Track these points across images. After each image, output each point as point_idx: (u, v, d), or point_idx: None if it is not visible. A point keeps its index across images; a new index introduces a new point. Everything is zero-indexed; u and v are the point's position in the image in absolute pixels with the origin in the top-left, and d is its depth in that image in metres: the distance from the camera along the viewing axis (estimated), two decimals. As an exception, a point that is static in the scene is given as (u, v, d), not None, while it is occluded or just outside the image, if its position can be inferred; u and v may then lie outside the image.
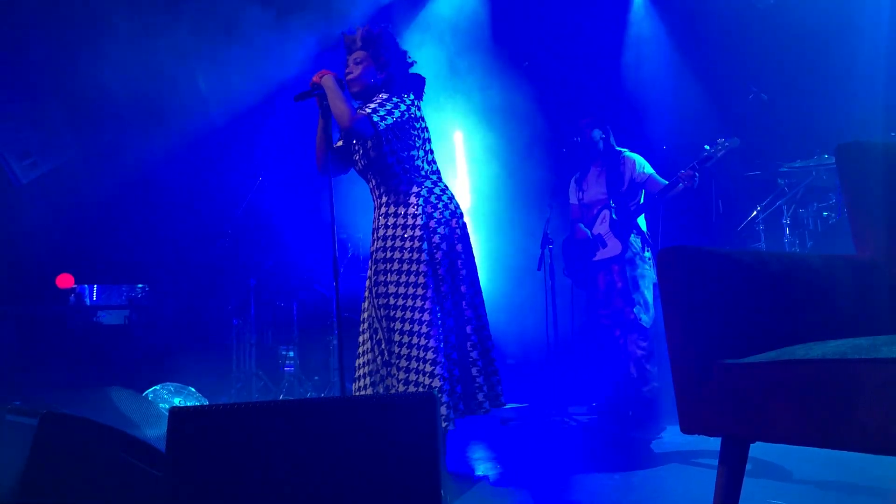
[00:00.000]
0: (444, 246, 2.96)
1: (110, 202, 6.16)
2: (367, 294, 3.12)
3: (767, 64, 5.22)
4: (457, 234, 3.03)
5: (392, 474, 1.88)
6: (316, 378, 5.55)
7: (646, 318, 4.28)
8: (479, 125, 6.12)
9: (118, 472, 2.12)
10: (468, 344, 2.95)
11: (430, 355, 2.79)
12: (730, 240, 5.07)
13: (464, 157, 6.35)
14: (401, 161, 3.02)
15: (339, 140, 3.21)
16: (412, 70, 3.18)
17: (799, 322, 1.67)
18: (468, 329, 2.96)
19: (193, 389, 4.18)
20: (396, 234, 3.01)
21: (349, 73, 3.08)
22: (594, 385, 4.75)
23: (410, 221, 2.97)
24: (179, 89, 5.50)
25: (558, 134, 5.66)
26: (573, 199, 4.71)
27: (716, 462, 1.60)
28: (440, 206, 3.03)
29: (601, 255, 4.44)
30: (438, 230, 2.97)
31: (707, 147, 4.17)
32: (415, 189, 3.02)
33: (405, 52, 3.18)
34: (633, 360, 4.29)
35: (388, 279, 2.97)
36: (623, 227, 4.36)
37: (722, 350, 1.56)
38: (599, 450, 3.56)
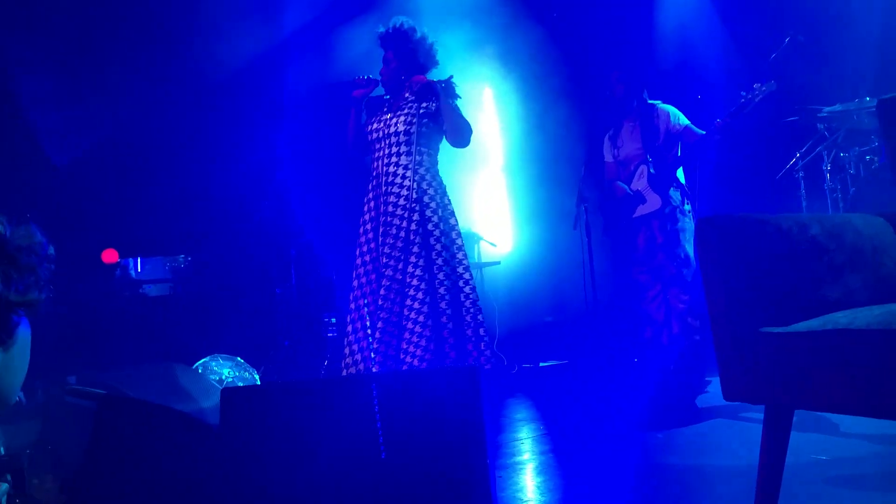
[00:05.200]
0: None
1: (148, 174, 6.25)
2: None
3: (804, 4, 5.04)
4: None
5: (439, 447, 1.92)
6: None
7: (686, 272, 4.24)
8: (509, 81, 6.04)
9: (175, 450, 2.20)
10: None
11: None
12: (769, 188, 4.97)
13: (494, 113, 6.28)
14: None
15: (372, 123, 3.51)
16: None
17: (841, 287, 1.65)
18: None
19: (241, 360, 4.27)
20: None
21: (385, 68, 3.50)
22: (633, 342, 4.75)
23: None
24: (216, 56, 5.49)
25: (590, 88, 5.56)
26: (608, 157, 4.63)
27: (762, 417, 1.60)
28: None
29: (641, 210, 4.38)
30: None
31: (743, 93, 4.06)
32: None
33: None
34: (675, 313, 4.27)
35: None
36: (662, 182, 4.30)
37: (763, 318, 1.55)
38: (641, 407, 3.58)
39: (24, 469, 2.23)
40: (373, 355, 3.24)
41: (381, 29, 3.52)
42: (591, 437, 2.95)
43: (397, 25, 3.47)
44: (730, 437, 2.69)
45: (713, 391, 3.69)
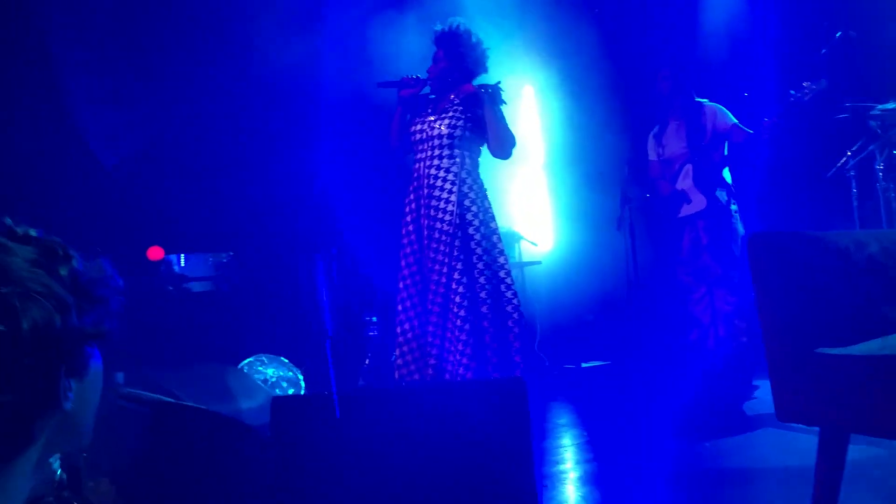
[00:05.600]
0: None
1: (192, 174, 6.35)
2: None
3: (855, -1, 4.91)
4: None
5: (487, 458, 1.93)
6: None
7: (734, 273, 4.18)
8: (550, 78, 5.99)
9: (225, 455, 2.25)
10: None
11: None
12: (819, 187, 4.85)
13: (536, 110, 6.25)
14: None
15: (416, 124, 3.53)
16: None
17: (901, 307, 1.61)
18: None
19: (286, 360, 4.34)
20: None
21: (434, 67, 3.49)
22: (678, 344, 4.70)
23: None
24: (259, 60, 5.54)
25: (633, 85, 5.49)
26: (652, 156, 4.57)
27: (817, 429, 1.58)
28: None
29: (686, 210, 4.33)
30: None
31: (792, 92, 3.97)
32: None
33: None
34: (721, 315, 4.21)
35: None
36: (707, 182, 4.23)
37: (819, 338, 1.53)
38: (687, 413, 3.54)
39: (81, 471, 2.30)
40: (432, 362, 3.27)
41: (438, 28, 3.52)
42: (636, 443, 2.93)
43: (454, 27, 3.47)
44: (781, 449, 2.64)
45: (760, 396, 3.63)
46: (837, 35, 4.53)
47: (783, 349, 1.56)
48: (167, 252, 7.25)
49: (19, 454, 0.82)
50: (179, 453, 2.21)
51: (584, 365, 5.13)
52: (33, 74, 5.34)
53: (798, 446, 2.57)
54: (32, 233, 0.88)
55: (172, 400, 2.56)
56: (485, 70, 3.55)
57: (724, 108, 4.32)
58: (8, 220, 0.88)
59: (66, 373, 0.85)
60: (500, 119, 3.41)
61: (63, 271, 0.87)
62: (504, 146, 3.42)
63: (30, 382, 0.81)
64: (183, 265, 7.67)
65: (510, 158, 3.60)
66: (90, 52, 5.74)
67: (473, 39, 3.49)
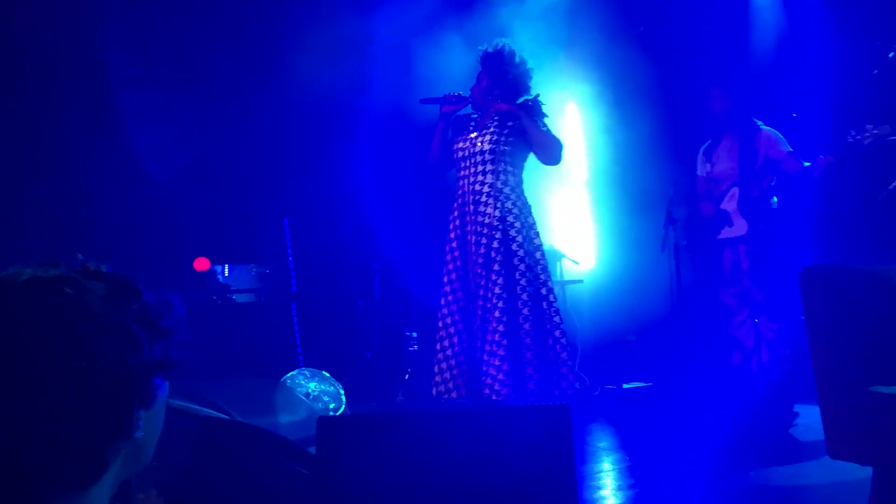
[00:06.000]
0: None
1: (237, 187, 6.47)
2: None
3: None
4: None
5: (529, 486, 1.93)
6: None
7: (775, 300, 4.11)
8: (594, 95, 5.98)
9: (272, 472, 2.28)
10: None
11: None
12: (870, 209, 4.74)
13: (579, 128, 6.24)
14: None
15: (458, 141, 3.55)
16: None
17: (960, 346, 1.58)
18: None
19: (328, 374, 4.39)
20: None
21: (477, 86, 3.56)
22: (721, 367, 4.62)
23: None
24: (303, 77, 5.63)
25: (679, 103, 5.44)
26: (700, 172, 4.48)
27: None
28: None
29: (726, 233, 4.26)
30: None
31: (853, 133, 3.83)
32: None
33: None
34: (764, 341, 4.14)
35: None
36: (752, 207, 4.16)
37: (873, 376, 1.50)
38: (731, 438, 3.48)
39: (131, 482, 2.35)
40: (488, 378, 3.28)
41: (483, 48, 3.57)
42: (678, 469, 2.89)
43: (499, 47, 3.52)
44: (831, 483, 2.56)
45: (804, 423, 3.56)
46: (890, 55, 4.45)
47: (836, 386, 1.53)
48: (212, 263, 7.39)
49: (95, 481, 0.86)
50: (226, 468, 2.25)
51: (625, 386, 5.08)
52: (88, 89, 5.51)
53: (849, 480, 2.49)
54: (104, 269, 0.92)
55: (221, 415, 2.61)
56: (527, 91, 3.57)
57: (781, 135, 4.22)
58: (80, 256, 0.93)
59: (137, 403, 0.89)
60: (542, 127, 3.42)
61: (134, 306, 0.91)
62: (550, 152, 3.44)
63: (105, 414, 0.85)
64: (227, 275, 7.82)
65: (556, 167, 3.64)
66: (142, 69, 5.90)
67: (517, 59, 3.53)
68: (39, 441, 0.80)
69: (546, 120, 3.53)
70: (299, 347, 5.84)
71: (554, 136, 3.46)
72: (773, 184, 4.20)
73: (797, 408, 3.86)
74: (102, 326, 0.85)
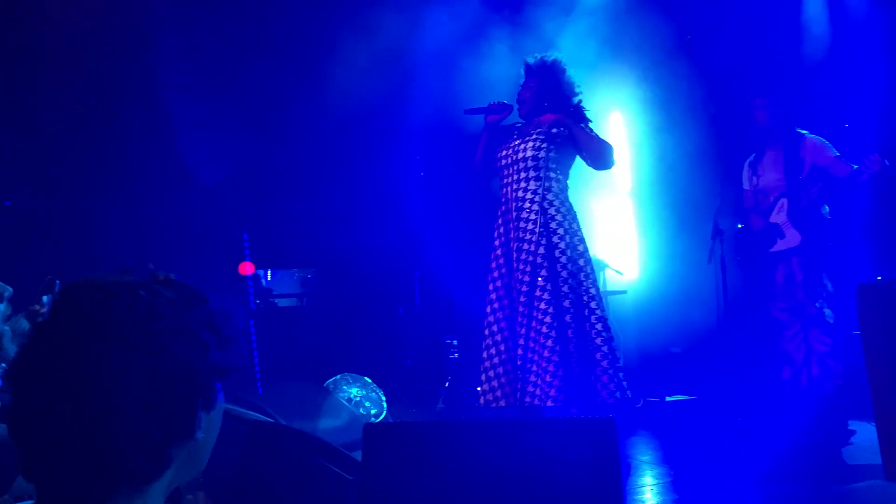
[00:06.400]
0: None
1: (283, 194, 6.56)
2: None
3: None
4: None
5: (574, 498, 1.91)
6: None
7: (829, 313, 4.02)
8: (639, 104, 5.94)
9: (317, 476, 2.30)
10: None
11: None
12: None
13: (624, 137, 6.19)
14: None
15: (503, 150, 3.56)
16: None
17: None
18: None
19: (369, 380, 4.42)
20: None
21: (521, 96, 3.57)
22: (769, 381, 4.53)
23: None
24: (348, 84, 5.69)
25: (726, 113, 5.36)
26: (746, 185, 4.43)
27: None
28: None
29: (779, 246, 4.18)
30: None
31: None
32: None
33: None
34: (816, 355, 4.04)
35: None
36: (803, 217, 4.08)
37: (936, 395, 1.46)
38: (779, 455, 3.40)
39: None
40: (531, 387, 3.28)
41: (530, 59, 3.57)
42: (723, 486, 2.84)
43: (547, 60, 3.52)
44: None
45: (857, 442, 3.46)
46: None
47: (893, 408, 1.50)
48: (256, 267, 7.51)
49: (157, 478, 0.89)
50: (274, 472, 2.28)
51: (668, 398, 5.01)
52: (140, 100, 5.66)
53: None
54: (172, 277, 0.96)
55: (269, 419, 2.65)
56: (571, 104, 3.55)
57: (826, 142, 4.15)
58: (151, 265, 0.96)
59: (200, 405, 0.92)
60: (589, 132, 3.41)
61: (201, 312, 0.93)
62: (600, 155, 3.43)
63: (172, 412, 0.88)
64: (269, 280, 7.94)
65: (594, 174, 3.61)
66: (192, 76, 6.03)
67: (564, 74, 3.52)
68: (110, 433, 0.83)
69: (591, 125, 3.52)
70: (340, 351, 5.89)
71: (603, 140, 3.45)
72: (822, 190, 4.11)
73: (852, 425, 3.76)
74: (173, 329, 0.88)
